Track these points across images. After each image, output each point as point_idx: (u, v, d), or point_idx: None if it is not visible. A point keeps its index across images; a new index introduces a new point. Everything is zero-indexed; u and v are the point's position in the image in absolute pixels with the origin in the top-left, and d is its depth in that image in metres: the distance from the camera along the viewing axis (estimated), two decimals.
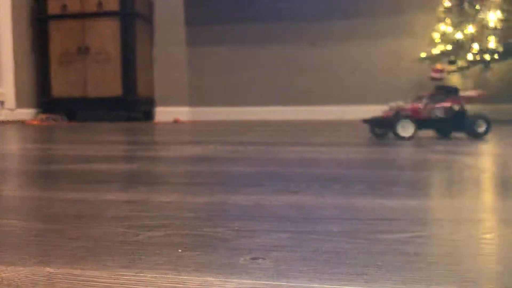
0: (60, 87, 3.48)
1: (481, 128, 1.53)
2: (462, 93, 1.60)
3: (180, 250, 0.40)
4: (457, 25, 2.54)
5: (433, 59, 2.78)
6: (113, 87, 3.40)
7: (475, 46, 2.42)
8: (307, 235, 0.44)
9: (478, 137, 1.52)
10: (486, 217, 0.53)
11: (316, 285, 0.32)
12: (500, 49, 2.33)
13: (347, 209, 0.55)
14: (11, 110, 3.46)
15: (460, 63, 2.71)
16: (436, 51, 2.73)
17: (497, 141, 1.51)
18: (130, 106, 3.42)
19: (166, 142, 1.64)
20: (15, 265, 0.36)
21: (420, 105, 1.57)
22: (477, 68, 2.68)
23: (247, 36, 3.54)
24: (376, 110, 3.33)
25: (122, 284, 0.33)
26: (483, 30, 2.34)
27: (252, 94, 3.54)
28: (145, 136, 1.98)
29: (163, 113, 3.69)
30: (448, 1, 2.69)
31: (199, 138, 1.81)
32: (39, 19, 3.48)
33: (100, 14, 3.37)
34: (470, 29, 2.42)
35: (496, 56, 2.41)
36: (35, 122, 3.20)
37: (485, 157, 1.13)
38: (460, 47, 2.52)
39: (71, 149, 1.37)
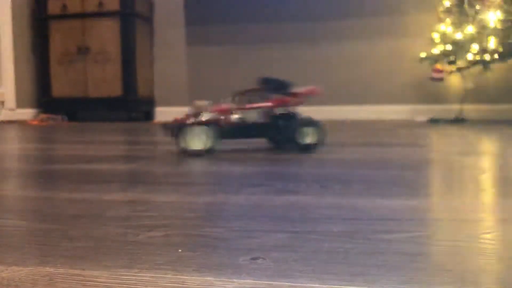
0: (60, 87, 3.48)
1: (309, 139, 1.18)
2: (293, 90, 1.25)
3: (180, 250, 0.40)
4: (457, 25, 2.54)
5: (433, 59, 2.78)
6: (113, 87, 3.40)
7: (475, 46, 2.42)
8: (307, 235, 0.44)
9: (304, 149, 1.16)
10: (486, 217, 0.53)
11: (316, 285, 0.32)
12: (500, 49, 2.33)
13: (347, 209, 0.55)
14: (11, 110, 3.46)
15: (460, 63, 2.71)
16: (436, 51, 2.73)
17: (497, 141, 1.51)
18: (130, 106, 3.42)
19: (166, 142, 1.64)
20: (15, 265, 0.37)
21: (229, 106, 1.17)
22: (477, 68, 2.68)
23: (247, 36, 3.54)
24: (376, 111, 3.34)
25: (122, 284, 0.33)
26: (483, 30, 2.34)
27: None
28: (145, 136, 1.98)
29: (163, 113, 3.69)
30: (448, 1, 2.68)
31: None
32: (39, 19, 3.48)
33: (100, 14, 3.37)
34: (470, 29, 2.42)
35: (496, 56, 2.41)
36: (35, 122, 3.20)
37: (485, 157, 1.13)
38: (460, 47, 2.51)
39: (71, 149, 1.37)
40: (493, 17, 2.26)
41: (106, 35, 3.39)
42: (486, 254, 0.39)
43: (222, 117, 1.15)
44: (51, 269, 0.35)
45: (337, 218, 0.51)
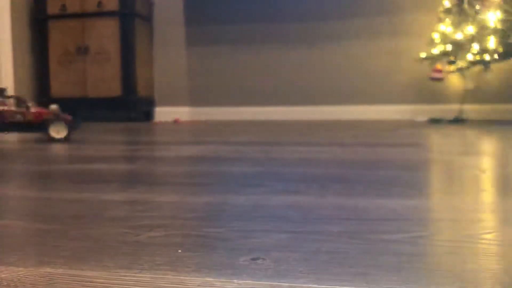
0: (59, 87, 3.48)
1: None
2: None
3: (180, 250, 0.40)
4: (457, 25, 2.54)
5: (433, 59, 2.78)
6: (112, 87, 3.40)
7: (475, 47, 2.42)
8: (307, 235, 0.44)
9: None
10: (486, 217, 0.53)
11: (316, 285, 0.32)
12: (500, 49, 2.33)
13: (347, 209, 0.55)
14: None
15: (460, 63, 2.71)
16: (436, 51, 2.73)
17: (497, 141, 1.51)
18: (130, 106, 3.42)
19: (166, 142, 1.64)
20: (15, 265, 0.36)
21: None
22: (477, 68, 2.68)
23: (247, 36, 3.55)
24: (376, 110, 3.33)
25: (121, 284, 0.33)
26: (483, 30, 2.34)
27: (252, 94, 3.55)
28: (145, 136, 1.98)
29: (163, 113, 3.69)
30: (448, 1, 2.68)
31: (199, 138, 1.81)
32: (39, 19, 3.48)
33: (99, 14, 3.36)
34: (470, 29, 2.42)
35: (496, 56, 2.41)
36: None
37: (485, 157, 1.13)
38: (460, 47, 2.51)
39: (70, 149, 1.37)
40: (493, 17, 2.26)
41: (105, 35, 3.39)
42: (486, 254, 0.39)
43: None
44: (51, 270, 0.35)
45: (337, 218, 0.51)
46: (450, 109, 3.04)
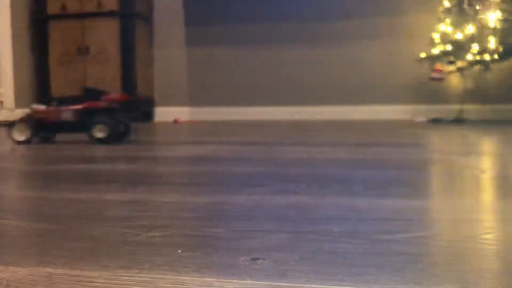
0: (59, 87, 3.48)
1: (100, 133, 1.45)
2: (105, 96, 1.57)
3: (180, 251, 0.40)
4: (457, 25, 2.54)
5: (433, 59, 2.78)
6: (112, 87, 3.40)
7: (475, 47, 2.42)
8: (307, 235, 0.44)
9: (99, 142, 1.44)
10: (486, 217, 0.53)
11: (316, 286, 0.32)
12: (500, 49, 2.33)
13: (347, 209, 0.55)
14: (10, 110, 3.46)
15: (460, 63, 2.70)
16: (436, 51, 2.73)
17: (497, 141, 1.51)
18: (130, 106, 3.42)
19: (166, 142, 1.64)
20: (14, 265, 0.36)
21: (44, 108, 1.53)
22: (477, 68, 2.68)
23: (247, 36, 3.54)
24: (376, 110, 3.33)
25: (121, 284, 0.33)
26: (483, 30, 2.34)
27: (252, 94, 3.55)
28: (145, 136, 1.98)
29: (163, 113, 3.69)
30: (448, 1, 2.68)
31: (199, 138, 1.81)
32: (39, 19, 3.48)
33: (99, 14, 3.36)
34: (470, 29, 2.42)
35: (496, 56, 2.41)
36: None
37: (485, 157, 1.13)
38: (460, 47, 2.51)
39: (70, 149, 1.37)
40: (493, 17, 2.26)
41: (105, 35, 3.39)
42: (486, 254, 0.39)
43: (40, 116, 1.51)
44: (51, 270, 0.35)
45: (337, 218, 0.51)
46: (450, 109, 3.04)
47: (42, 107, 1.53)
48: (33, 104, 1.60)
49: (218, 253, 0.39)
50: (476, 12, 2.39)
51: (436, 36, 2.74)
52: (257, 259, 0.37)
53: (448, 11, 2.67)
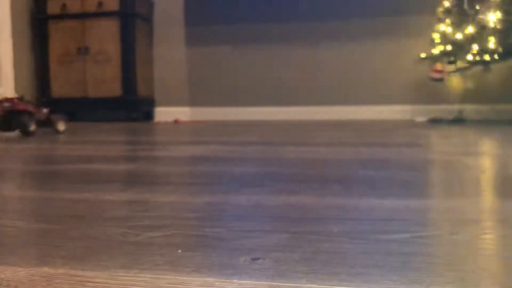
0: (60, 87, 3.48)
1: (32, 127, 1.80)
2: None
3: (180, 251, 0.40)
4: (457, 26, 2.54)
5: (433, 59, 2.78)
6: (113, 87, 3.40)
7: (475, 47, 2.42)
8: (307, 235, 0.44)
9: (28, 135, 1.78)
10: (486, 217, 0.53)
11: (316, 285, 0.32)
12: (500, 49, 2.33)
13: (347, 209, 0.55)
14: None
15: (460, 63, 2.71)
16: (436, 51, 2.73)
17: (497, 141, 1.51)
18: (130, 106, 3.42)
19: (166, 142, 1.64)
20: (14, 265, 0.36)
21: None
22: (477, 68, 2.68)
23: (247, 36, 3.55)
24: (376, 110, 3.33)
25: (121, 284, 0.33)
26: (483, 30, 2.34)
27: (252, 94, 3.55)
28: (145, 136, 1.98)
29: (163, 113, 3.69)
30: (448, 1, 2.68)
31: (199, 138, 1.81)
32: (39, 19, 3.48)
33: (100, 14, 3.37)
34: (470, 29, 2.42)
35: (496, 57, 2.41)
36: None
37: (485, 157, 1.13)
38: (460, 47, 2.51)
39: (71, 149, 1.37)
40: (493, 17, 2.26)
41: (105, 35, 3.39)
42: (486, 254, 0.39)
43: None
44: (51, 270, 0.35)
45: (337, 218, 0.51)
46: (450, 109, 3.04)
47: None
48: None
49: (218, 253, 0.39)
50: (476, 12, 2.39)
51: (436, 36, 2.75)
52: (257, 259, 0.37)
53: (448, 11, 2.67)
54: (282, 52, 3.51)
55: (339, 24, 3.40)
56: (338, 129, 2.19)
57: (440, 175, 0.85)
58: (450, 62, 2.76)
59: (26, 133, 1.81)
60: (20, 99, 1.94)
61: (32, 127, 1.82)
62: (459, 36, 2.52)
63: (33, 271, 0.35)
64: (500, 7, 2.23)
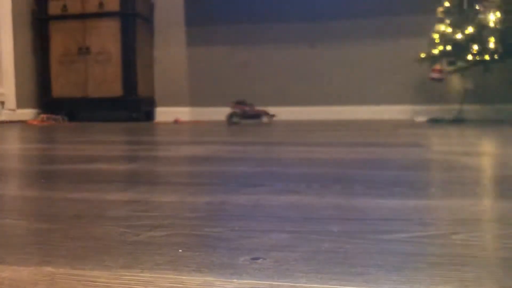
0: (60, 87, 3.48)
1: None
2: None
3: (180, 250, 0.40)
4: (457, 26, 2.54)
5: (433, 59, 2.78)
6: (113, 87, 3.40)
7: (475, 47, 2.42)
8: (307, 235, 0.44)
9: None
10: (486, 217, 0.53)
11: (316, 285, 0.32)
12: (500, 49, 2.33)
13: (347, 209, 0.55)
14: (12, 110, 3.46)
15: (460, 63, 2.71)
16: (436, 51, 2.73)
17: (497, 141, 1.51)
18: (131, 106, 3.42)
19: (167, 142, 1.65)
20: (16, 265, 0.37)
21: None
22: (477, 68, 2.68)
23: (247, 36, 3.55)
24: (376, 111, 3.33)
25: (122, 283, 0.33)
26: (483, 30, 2.34)
27: (252, 94, 3.55)
28: (146, 136, 1.98)
29: (164, 113, 3.69)
30: (447, 1, 2.68)
31: (199, 138, 1.81)
32: (40, 20, 3.49)
33: (100, 14, 3.37)
34: (470, 29, 2.42)
35: (496, 57, 2.41)
36: (36, 123, 3.20)
37: (485, 157, 1.13)
38: (460, 47, 2.52)
39: (71, 149, 1.37)
40: (492, 17, 2.26)
41: (106, 35, 3.39)
42: (486, 254, 0.39)
43: None
44: (52, 269, 0.36)
45: (337, 218, 0.51)
46: (450, 109, 3.04)
47: None
48: None
49: (219, 253, 0.39)
50: (476, 12, 2.39)
51: (436, 36, 2.75)
52: (257, 258, 0.38)
53: (448, 11, 2.67)
54: (282, 52, 3.51)
55: (339, 24, 3.40)
56: (338, 129, 2.19)
57: (440, 175, 0.85)
58: (450, 62, 2.76)
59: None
60: None
61: None
62: (459, 36, 2.52)
63: (34, 271, 0.35)
64: (500, 7, 2.23)
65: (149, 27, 3.65)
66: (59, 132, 2.32)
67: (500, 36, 2.28)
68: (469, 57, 2.50)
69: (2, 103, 3.41)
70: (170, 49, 3.68)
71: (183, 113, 3.66)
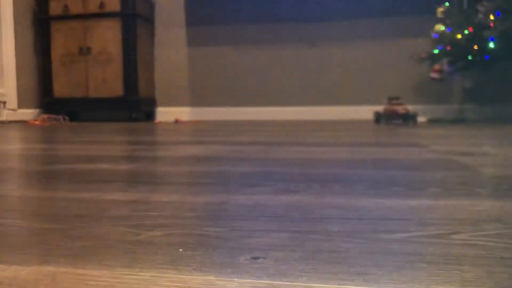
0: (61, 87, 3.48)
1: None
2: None
3: (180, 250, 0.40)
4: (457, 26, 2.54)
5: (433, 59, 2.78)
6: (114, 88, 3.40)
7: (475, 47, 2.42)
8: (307, 235, 0.44)
9: None
10: (486, 217, 0.53)
11: (316, 285, 0.32)
12: (500, 49, 2.33)
13: (347, 209, 0.55)
14: (13, 110, 3.46)
15: (460, 63, 2.71)
16: (436, 51, 2.73)
17: (497, 141, 1.51)
18: (131, 106, 3.43)
19: (167, 142, 1.65)
20: (17, 264, 0.37)
21: None
22: (477, 68, 2.68)
23: (247, 36, 3.55)
24: (375, 110, 3.33)
25: (123, 283, 0.33)
26: (483, 30, 2.34)
27: (252, 94, 3.55)
28: (146, 136, 1.99)
29: (164, 113, 3.69)
30: (447, 1, 2.68)
31: (199, 138, 1.81)
32: (41, 20, 3.49)
33: (101, 14, 3.37)
34: (470, 29, 2.42)
35: (496, 57, 2.41)
36: (37, 122, 3.20)
37: (484, 157, 1.13)
38: (460, 47, 2.52)
39: (72, 149, 1.37)
40: (493, 17, 2.26)
41: (107, 35, 3.40)
42: (486, 254, 0.39)
43: None
44: (53, 269, 0.36)
45: (337, 218, 0.51)
46: (450, 109, 3.04)
47: None
48: None
49: (219, 252, 0.39)
50: (476, 12, 2.39)
51: (436, 36, 2.75)
52: (258, 258, 0.38)
53: (448, 11, 2.67)
54: (282, 53, 3.51)
55: (340, 24, 3.40)
56: (338, 129, 2.19)
57: (440, 174, 0.85)
58: (450, 62, 2.76)
59: None
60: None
61: None
62: (459, 36, 2.52)
63: (36, 270, 0.35)
64: (500, 7, 2.23)
65: (149, 27, 3.65)
66: (60, 132, 2.33)
67: (500, 36, 2.28)
68: (469, 57, 2.50)
69: (3, 103, 3.42)
70: (171, 49, 3.68)
71: (184, 113, 3.66)
